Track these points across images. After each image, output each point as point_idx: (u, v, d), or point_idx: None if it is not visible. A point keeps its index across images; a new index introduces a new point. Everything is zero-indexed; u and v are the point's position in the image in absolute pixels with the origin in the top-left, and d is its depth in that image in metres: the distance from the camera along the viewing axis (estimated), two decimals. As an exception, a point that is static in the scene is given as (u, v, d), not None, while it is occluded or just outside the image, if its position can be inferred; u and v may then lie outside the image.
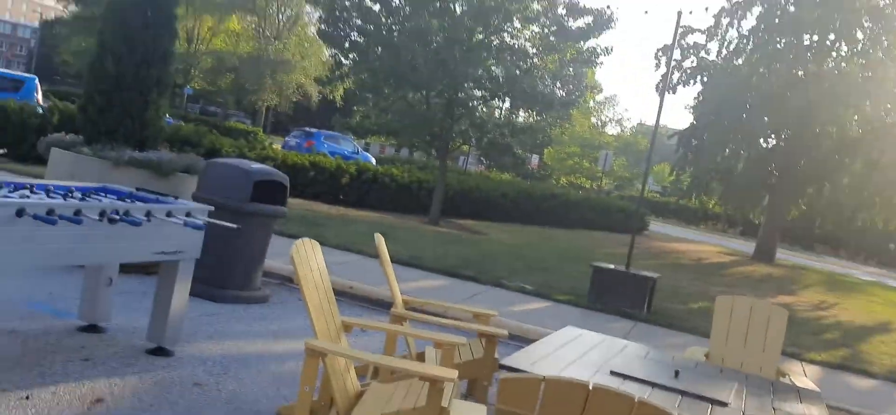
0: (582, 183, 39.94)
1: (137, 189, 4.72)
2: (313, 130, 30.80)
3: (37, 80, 18.56)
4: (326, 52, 25.83)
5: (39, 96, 17.54)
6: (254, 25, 47.27)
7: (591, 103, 50.36)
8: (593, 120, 50.67)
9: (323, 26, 16.40)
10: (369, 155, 30.79)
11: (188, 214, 4.40)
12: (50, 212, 3.52)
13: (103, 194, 4.56)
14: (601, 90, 58.60)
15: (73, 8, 43.28)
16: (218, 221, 4.52)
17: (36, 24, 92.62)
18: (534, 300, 9.03)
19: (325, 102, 42.56)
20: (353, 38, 15.98)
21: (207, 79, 48.06)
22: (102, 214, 3.83)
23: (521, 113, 21.26)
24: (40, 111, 13.99)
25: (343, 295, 7.55)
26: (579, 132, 41.23)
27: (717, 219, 37.83)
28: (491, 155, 19.06)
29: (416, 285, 8.54)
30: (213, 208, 4.62)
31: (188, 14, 46.58)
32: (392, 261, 9.78)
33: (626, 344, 4.45)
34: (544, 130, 17.37)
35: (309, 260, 3.55)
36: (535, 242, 16.00)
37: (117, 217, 3.88)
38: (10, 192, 3.81)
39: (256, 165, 6.35)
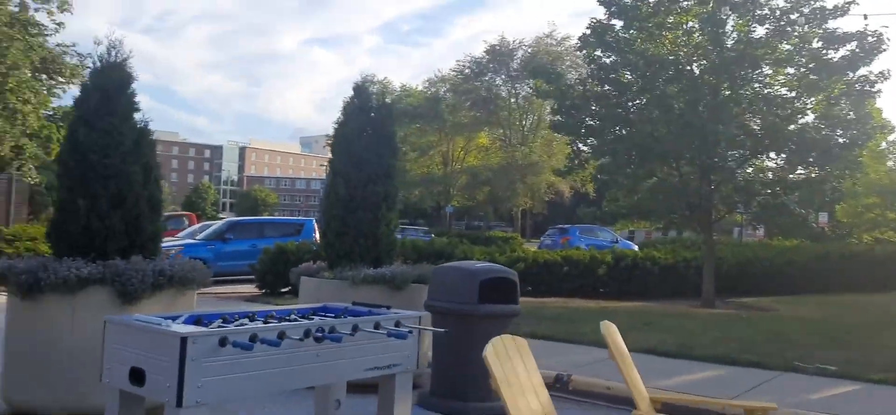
0: (890, 238, 34.20)
1: (354, 303, 4.57)
2: (567, 226, 30.49)
3: (314, 222, 20.69)
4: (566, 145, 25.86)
5: (317, 235, 19.49)
6: (501, 136, 49.23)
7: (884, 145, 43.79)
8: (891, 163, 43.86)
9: (556, 118, 16.19)
10: (632, 243, 29.52)
11: (398, 324, 4.11)
12: (252, 338, 3.41)
13: (323, 313, 4.47)
14: (892, 128, 50.81)
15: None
16: (428, 328, 4.16)
17: (324, 176, 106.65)
18: (839, 384, 7.33)
19: (578, 197, 42.33)
20: (587, 122, 15.51)
21: (465, 195, 50.64)
22: (307, 333, 3.66)
23: (799, 169, 18.83)
24: (314, 247, 15.37)
25: (599, 397, 6.77)
26: (875, 180, 35.72)
27: None
28: (764, 219, 17.00)
29: (684, 379, 7.42)
30: (425, 314, 4.28)
31: (442, 139, 50.17)
32: (656, 353, 8.76)
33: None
34: (829, 182, 14.99)
35: (512, 361, 2.99)
36: (836, 313, 13.60)
37: (321, 335, 3.69)
38: (221, 324, 3.82)
39: (481, 265, 6.01)
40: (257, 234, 18.65)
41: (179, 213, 32.51)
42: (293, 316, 4.23)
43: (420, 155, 51.76)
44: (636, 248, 25.69)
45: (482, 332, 5.81)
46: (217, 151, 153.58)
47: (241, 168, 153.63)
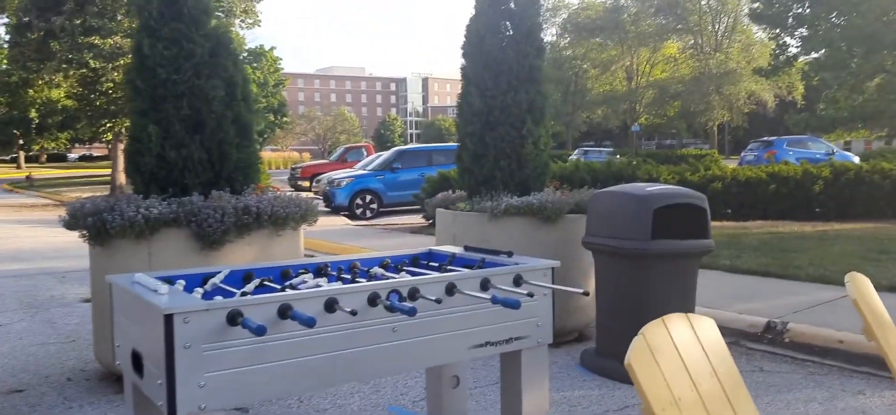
0: None
1: (466, 248, 3.34)
2: (773, 138, 26.89)
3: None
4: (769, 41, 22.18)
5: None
6: (691, 44, 44.85)
7: None
8: None
9: (757, 6, 13.57)
10: (850, 154, 25.45)
11: (518, 280, 2.81)
12: (281, 311, 2.29)
13: (425, 261, 3.30)
14: None
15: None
16: (560, 287, 2.81)
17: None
18: None
19: (783, 105, 37.56)
20: (796, 9, 12.79)
21: (654, 112, 47.12)
22: (373, 300, 2.48)
23: None
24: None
25: (828, 354, 5.07)
26: None
27: None
28: None
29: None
30: (557, 265, 2.93)
31: (624, 53, 46.79)
32: (896, 292, 6.68)
33: None
34: None
35: (677, 348, 1.61)
36: None
37: (393, 303, 2.50)
38: (263, 284, 2.75)
39: (654, 187, 4.47)
40: (426, 162, 17.97)
41: (358, 144, 33.05)
42: (377, 269, 3.08)
43: (602, 72, 48.71)
44: (857, 160, 21.96)
45: (657, 276, 4.36)
46: (401, 83, 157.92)
47: (424, 99, 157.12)
